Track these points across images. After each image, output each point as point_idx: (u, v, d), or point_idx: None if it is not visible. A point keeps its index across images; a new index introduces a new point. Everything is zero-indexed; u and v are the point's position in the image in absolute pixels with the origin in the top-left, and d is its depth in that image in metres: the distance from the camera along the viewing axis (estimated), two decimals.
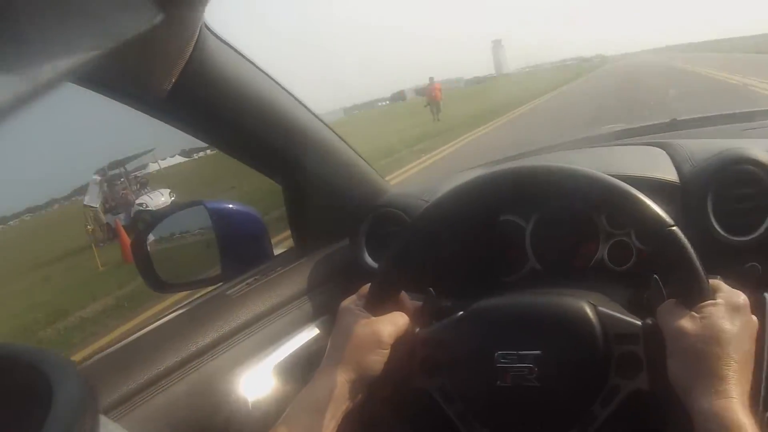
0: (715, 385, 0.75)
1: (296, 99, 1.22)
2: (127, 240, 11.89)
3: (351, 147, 1.39)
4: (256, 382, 1.07)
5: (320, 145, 1.30)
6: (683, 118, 1.97)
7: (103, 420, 0.46)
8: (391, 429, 1.00)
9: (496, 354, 0.88)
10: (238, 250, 1.30)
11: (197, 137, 1.16)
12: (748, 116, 1.83)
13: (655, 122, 1.97)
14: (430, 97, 27.69)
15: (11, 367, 0.43)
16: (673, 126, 1.87)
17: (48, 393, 0.40)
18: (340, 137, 1.36)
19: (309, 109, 1.25)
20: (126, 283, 8.89)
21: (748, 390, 0.78)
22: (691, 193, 1.16)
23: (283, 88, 1.18)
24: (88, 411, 0.40)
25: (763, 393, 1.02)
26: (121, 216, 16.30)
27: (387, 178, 1.57)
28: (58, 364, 0.43)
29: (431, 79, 28.55)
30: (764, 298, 1.06)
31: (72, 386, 0.41)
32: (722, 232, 1.11)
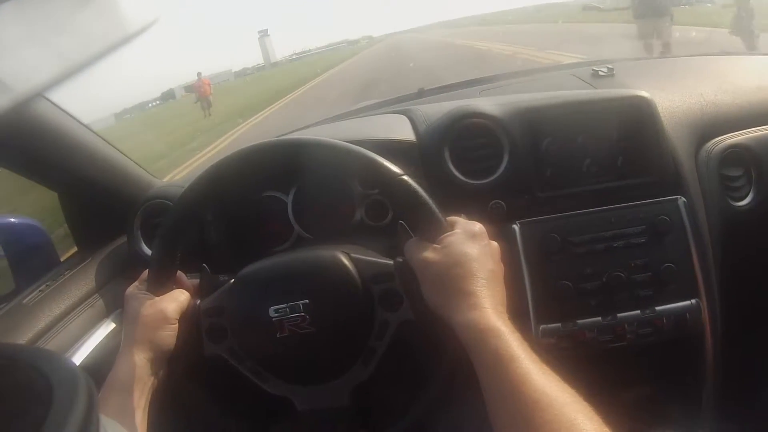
0: (466, 300, 0.82)
1: (59, 108, 1.23)
2: None
3: (117, 149, 1.43)
4: None
5: (86, 151, 1.34)
6: (429, 87, 2.11)
7: (103, 420, 0.47)
8: (197, 397, 1.03)
9: (269, 309, 0.94)
10: (26, 261, 1.31)
11: None
12: (488, 80, 2.02)
13: (405, 93, 2.10)
14: (200, 92, 26.81)
15: (11, 367, 0.43)
16: (421, 94, 2.01)
17: (48, 393, 0.40)
18: (106, 141, 1.39)
19: (73, 117, 1.27)
20: None
21: (503, 302, 0.86)
22: (428, 148, 1.29)
23: (47, 99, 1.19)
24: (87, 411, 0.40)
25: (531, 310, 1.20)
26: None
27: (164, 180, 1.60)
28: (58, 364, 0.43)
29: (199, 74, 27.47)
30: (513, 229, 1.23)
31: (72, 386, 0.41)
32: (462, 177, 1.25)
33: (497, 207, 1.23)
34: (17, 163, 1.26)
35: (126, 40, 0.42)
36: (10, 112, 0.32)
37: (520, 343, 0.77)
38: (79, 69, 0.37)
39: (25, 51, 0.35)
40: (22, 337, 1.08)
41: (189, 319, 1.00)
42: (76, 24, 0.39)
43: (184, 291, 1.03)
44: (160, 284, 1.01)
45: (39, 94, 0.34)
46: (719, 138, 1.32)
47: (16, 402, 0.40)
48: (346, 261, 0.96)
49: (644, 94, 1.26)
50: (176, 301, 1.00)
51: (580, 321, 1.21)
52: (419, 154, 1.29)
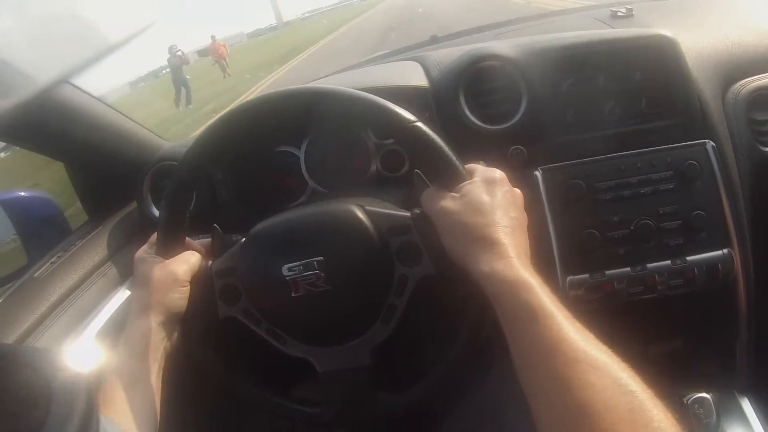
0: (489, 249, 0.78)
1: (67, 81, 1.19)
2: None
3: (124, 115, 1.40)
4: (84, 353, 1.06)
5: (89, 118, 1.29)
6: (442, 34, 2.07)
7: (103, 420, 0.47)
8: (213, 362, 1.01)
9: (282, 268, 0.90)
10: (38, 234, 1.30)
11: None
12: (503, 25, 1.97)
13: (417, 42, 2.05)
14: (216, 54, 26.98)
15: (11, 367, 0.43)
16: (434, 42, 1.96)
17: (47, 393, 0.41)
18: (111, 107, 1.37)
19: (74, 85, 1.24)
20: None
21: (527, 252, 0.81)
22: (442, 93, 1.24)
23: None
24: (87, 411, 0.41)
25: (557, 260, 1.17)
26: None
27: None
28: (58, 364, 0.43)
29: (213, 37, 27.64)
30: (535, 175, 1.19)
31: (72, 386, 0.42)
32: (479, 123, 1.20)
33: (517, 153, 1.19)
34: (20, 137, 1.24)
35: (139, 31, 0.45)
36: (35, 99, 0.35)
37: (551, 297, 0.72)
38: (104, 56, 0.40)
39: (50, 38, 0.37)
40: (36, 311, 1.06)
41: (201, 280, 0.98)
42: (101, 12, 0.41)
43: (194, 252, 1.00)
44: (169, 246, 0.99)
45: (64, 81, 0.36)
46: (746, 80, 1.25)
47: (16, 402, 0.41)
48: (360, 214, 0.92)
49: (667, 33, 1.20)
50: (187, 262, 0.97)
51: (608, 272, 1.17)
52: (433, 99, 1.25)
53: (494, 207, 0.82)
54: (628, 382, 0.62)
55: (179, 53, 20.71)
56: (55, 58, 0.37)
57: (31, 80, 0.37)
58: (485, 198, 0.83)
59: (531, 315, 0.70)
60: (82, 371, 0.44)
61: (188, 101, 19.81)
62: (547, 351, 0.67)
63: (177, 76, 20.44)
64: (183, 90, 19.99)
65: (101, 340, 1.10)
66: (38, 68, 0.37)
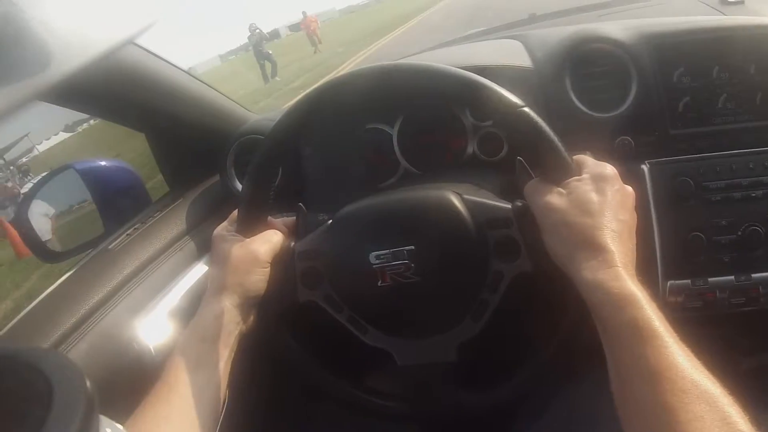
0: (594, 256, 0.73)
1: (148, 51, 1.19)
2: (15, 234, 11.13)
3: (210, 86, 1.39)
4: (155, 327, 1.06)
5: (172, 88, 1.27)
6: (541, 13, 2.02)
7: (103, 420, 0.46)
8: (289, 347, 0.98)
9: (370, 255, 0.88)
10: (117, 204, 1.30)
11: (62, 105, 1.11)
12: (604, 5, 1.88)
13: (515, 20, 1.99)
14: (308, 30, 27.48)
15: (11, 367, 0.43)
16: (533, 20, 1.91)
17: (48, 393, 0.40)
18: (197, 78, 1.35)
19: (157, 56, 1.21)
20: (23, 281, 8.41)
21: (634, 260, 0.76)
22: (546, 76, 1.17)
23: (136, 45, 1.15)
24: (88, 411, 0.40)
25: (660, 263, 1.10)
26: (9, 210, 15.33)
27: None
28: (58, 364, 0.43)
29: (304, 13, 28.23)
30: (642, 170, 1.11)
31: (72, 386, 0.41)
32: (585, 110, 1.14)
33: (625, 144, 1.11)
34: (101, 108, 1.24)
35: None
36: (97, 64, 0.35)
37: (659, 316, 0.66)
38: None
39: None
40: (108, 284, 1.05)
41: (282, 262, 0.94)
42: None
43: (277, 232, 0.97)
44: (251, 225, 0.96)
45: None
46: None
47: (16, 402, 0.40)
48: (457, 203, 0.88)
49: None
50: (269, 242, 0.94)
51: (711, 279, 1.09)
52: (537, 82, 1.17)
53: (603, 208, 0.77)
54: (737, 420, 0.57)
55: (257, 31, 21.64)
56: (109, 23, 0.38)
57: (90, 45, 0.36)
58: (594, 197, 0.78)
59: (636, 334, 0.65)
60: (82, 371, 0.43)
61: (274, 74, 20.41)
62: (652, 375, 0.62)
63: (258, 52, 21.17)
64: (268, 64, 20.68)
65: (173, 317, 1.09)
66: (95, 33, 0.37)
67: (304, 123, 0.92)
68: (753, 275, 1.08)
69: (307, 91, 0.93)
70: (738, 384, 0.62)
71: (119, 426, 0.50)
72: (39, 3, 0.37)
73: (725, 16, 1.35)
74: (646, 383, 0.62)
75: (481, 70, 0.89)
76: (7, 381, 0.41)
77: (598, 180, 0.80)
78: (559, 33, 1.25)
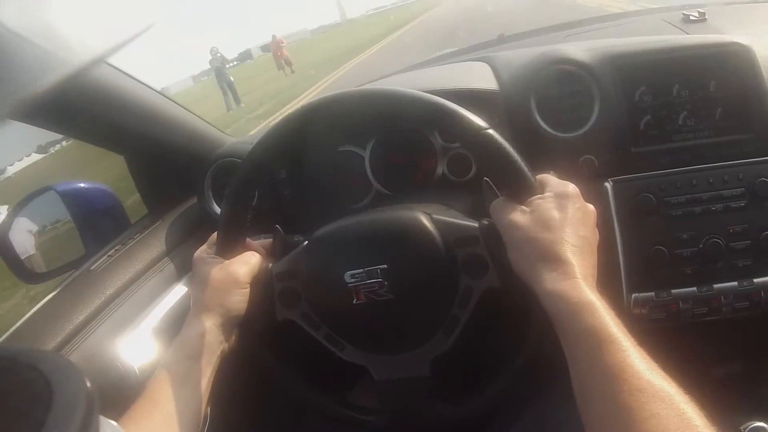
0: (555, 268, 0.75)
1: (119, 70, 1.20)
2: None
3: (186, 109, 1.40)
4: (138, 347, 1.07)
5: (150, 111, 1.30)
6: (510, 34, 2.04)
7: (103, 420, 0.47)
8: (269, 365, 1.00)
9: (345, 274, 0.90)
10: (96, 225, 1.31)
11: (37, 125, 1.11)
12: (573, 25, 1.92)
13: (484, 41, 2.02)
14: (276, 54, 27.63)
15: (11, 367, 0.43)
16: (501, 41, 1.93)
17: (48, 393, 0.40)
18: (173, 101, 1.37)
19: (135, 79, 1.23)
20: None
21: (594, 273, 0.79)
22: (512, 97, 1.20)
23: (107, 64, 1.16)
24: (88, 411, 0.40)
25: (624, 277, 1.13)
26: None
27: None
28: (58, 364, 0.43)
29: (274, 36, 28.42)
30: (605, 187, 1.15)
31: (72, 386, 0.41)
32: (550, 130, 1.17)
33: (588, 162, 1.15)
34: (80, 130, 1.25)
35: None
36: (69, 79, 0.34)
37: (616, 322, 0.69)
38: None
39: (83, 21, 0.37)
40: (90, 305, 1.07)
41: (261, 282, 0.97)
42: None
43: (255, 253, 0.99)
44: (230, 247, 0.98)
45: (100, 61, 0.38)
46: None
47: (16, 403, 0.40)
48: (427, 223, 0.90)
49: (743, 41, 1.14)
50: (247, 264, 0.96)
51: (674, 291, 1.12)
52: (503, 103, 1.21)
53: (564, 224, 0.79)
54: (692, 416, 0.59)
55: (219, 55, 21.14)
56: (87, 38, 0.38)
57: (65, 61, 0.36)
58: (555, 214, 0.80)
59: (594, 339, 0.68)
60: (82, 372, 0.43)
61: (237, 101, 19.98)
62: (610, 377, 0.64)
63: (220, 76, 20.73)
64: (229, 92, 20.13)
65: (155, 336, 1.11)
66: (72, 48, 0.37)
67: (281, 146, 0.95)
68: (715, 286, 1.11)
69: (286, 114, 0.96)
70: (708, 392, 0.64)
71: (118, 426, 0.52)
72: (12, 11, 0.36)
73: (687, 35, 1.39)
74: (603, 385, 0.64)
75: (449, 94, 0.93)
76: (7, 381, 0.42)
77: (560, 198, 0.82)
78: (524, 55, 1.28)
